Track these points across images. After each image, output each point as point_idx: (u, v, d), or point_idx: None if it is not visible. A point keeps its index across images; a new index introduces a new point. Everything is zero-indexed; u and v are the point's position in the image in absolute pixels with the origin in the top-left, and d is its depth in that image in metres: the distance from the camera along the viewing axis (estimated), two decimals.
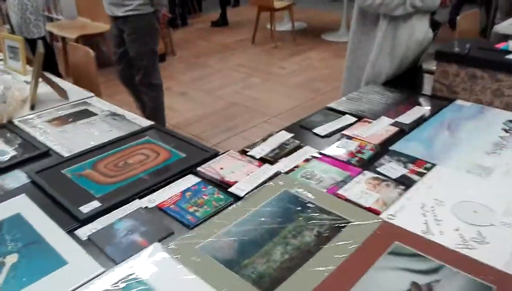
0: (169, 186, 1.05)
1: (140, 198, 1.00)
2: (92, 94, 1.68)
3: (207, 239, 0.86)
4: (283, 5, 5.18)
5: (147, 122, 1.41)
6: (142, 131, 1.34)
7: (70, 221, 0.93)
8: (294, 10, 5.38)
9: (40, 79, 1.60)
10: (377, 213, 0.92)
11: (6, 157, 1.21)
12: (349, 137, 1.24)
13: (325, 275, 0.77)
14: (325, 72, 4.34)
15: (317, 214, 0.92)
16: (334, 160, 1.13)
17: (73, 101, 1.61)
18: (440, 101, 1.46)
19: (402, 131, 1.27)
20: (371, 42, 1.65)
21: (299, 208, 0.94)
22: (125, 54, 2.59)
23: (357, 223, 0.89)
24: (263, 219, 0.91)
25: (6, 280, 0.78)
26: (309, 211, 0.93)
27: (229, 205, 0.97)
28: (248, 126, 3.26)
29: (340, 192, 1.00)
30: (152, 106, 2.71)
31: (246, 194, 0.99)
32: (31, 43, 3.39)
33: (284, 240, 0.85)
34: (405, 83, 1.64)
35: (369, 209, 0.94)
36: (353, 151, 1.17)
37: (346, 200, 0.97)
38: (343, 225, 0.89)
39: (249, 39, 5.48)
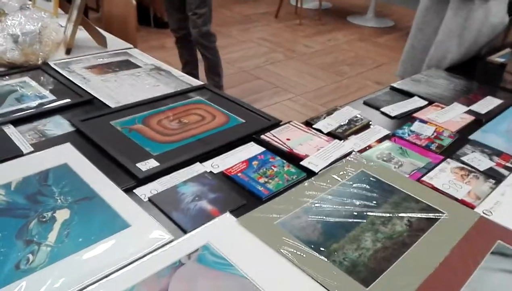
0: (231, 152, 0.94)
1: (201, 161, 0.90)
2: (131, 45, 1.55)
3: (285, 215, 0.76)
4: None
5: (196, 81, 1.29)
6: (193, 90, 1.22)
7: (126, 178, 0.82)
8: None
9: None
10: (471, 206, 0.82)
11: (44, 100, 1.09)
12: (423, 121, 1.13)
13: (429, 272, 0.67)
14: (351, 55, 4.19)
15: (405, 201, 0.82)
16: (411, 144, 1.02)
17: (113, 50, 1.48)
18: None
19: (478, 121, 1.16)
20: (441, 22, 1.52)
21: (383, 193, 0.83)
22: (181, 3, 2.52)
23: (452, 216, 0.79)
24: (344, 199, 0.81)
25: (59, 238, 0.67)
26: (395, 196, 0.83)
27: (302, 180, 0.86)
28: (272, 102, 3.13)
29: (425, 179, 0.89)
30: (212, 59, 2.66)
31: (320, 170, 0.89)
32: None
33: (373, 226, 0.75)
34: (468, 70, 1.52)
35: (462, 202, 0.83)
36: (430, 136, 1.06)
37: (433, 188, 0.87)
38: (435, 216, 0.78)
39: (272, 13, 5.30)
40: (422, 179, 0.89)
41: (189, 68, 2.82)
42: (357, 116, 1.13)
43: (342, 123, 1.09)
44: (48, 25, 1.39)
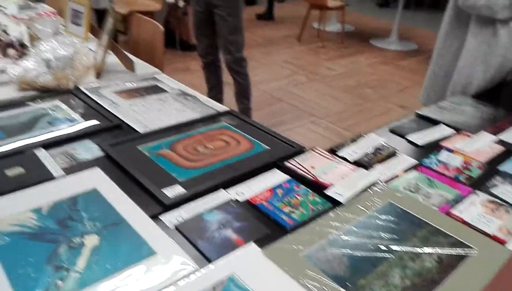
0: (255, 178, 0.94)
1: (225, 187, 0.90)
2: (158, 70, 1.59)
3: (310, 246, 0.75)
4: (336, 5, 5.03)
5: (221, 107, 1.30)
6: (219, 115, 1.24)
7: (153, 204, 0.84)
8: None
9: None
10: (502, 242, 0.80)
11: (75, 124, 1.13)
12: (450, 150, 1.11)
13: None
14: (374, 78, 4.18)
15: (433, 236, 0.80)
16: (439, 174, 1.00)
17: (140, 75, 1.51)
18: None
19: (508, 151, 1.14)
20: (462, 47, 1.51)
21: (411, 226, 0.82)
22: (211, 30, 2.57)
23: (483, 252, 0.76)
24: (371, 232, 0.79)
25: (89, 265, 0.68)
26: (423, 230, 0.81)
27: (327, 210, 0.85)
28: (294, 125, 3.14)
29: (454, 212, 0.87)
30: (243, 83, 2.69)
31: (346, 200, 0.88)
32: (97, 12, 3.40)
33: (401, 261, 0.73)
34: (494, 97, 1.50)
35: (494, 237, 0.81)
36: (459, 167, 1.04)
37: (463, 222, 0.84)
38: (466, 252, 0.76)
39: (295, 36, 5.35)
40: (451, 211, 0.87)
41: (215, 92, 2.85)
42: (382, 144, 1.12)
43: (367, 151, 1.08)
44: (80, 50, 1.44)
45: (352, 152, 1.07)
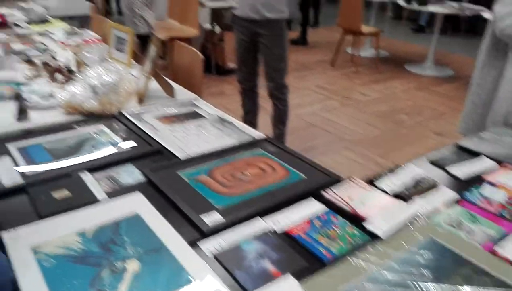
0: (292, 207, 0.94)
1: (262, 215, 0.90)
2: (197, 96, 1.63)
3: (348, 282, 0.74)
4: (370, 31, 5.03)
5: (258, 134, 1.32)
6: (255, 142, 1.25)
7: (192, 230, 0.85)
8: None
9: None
10: None
11: (118, 148, 1.17)
12: (493, 184, 1.08)
13: None
14: (409, 104, 4.12)
15: (477, 275, 0.77)
16: (482, 210, 0.97)
17: (180, 101, 1.56)
18: None
19: None
20: (501, 76, 1.48)
21: (453, 263, 0.79)
22: (254, 58, 2.63)
23: None
24: (411, 268, 0.78)
25: (129, 290, 0.69)
26: (466, 269, 0.78)
27: (366, 244, 0.84)
28: (327, 150, 3.12)
29: (498, 250, 0.84)
30: (283, 109, 2.72)
31: (385, 235, 0.86)
32: (138, 37, 3.55)
33: None
34: None
35: None
36: (503, 202, 1.00)
37: (508, 261, 0.81)
38: None
39: (328, 61, 5.37)
40: (495, 249, 0.84)
41: (250, 116, 2.87)
42: (422, 176, 1.09)
43: (407, 183, 1.06)
44: (124, 77, 1.50)
45: (391, 183, 1.06)
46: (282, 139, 2.82)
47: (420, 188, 1.05)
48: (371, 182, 1.06)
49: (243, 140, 1.27)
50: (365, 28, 4.93)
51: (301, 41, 6.24)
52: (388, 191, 1.02)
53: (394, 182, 1.06)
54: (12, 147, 1.14)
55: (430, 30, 6.73)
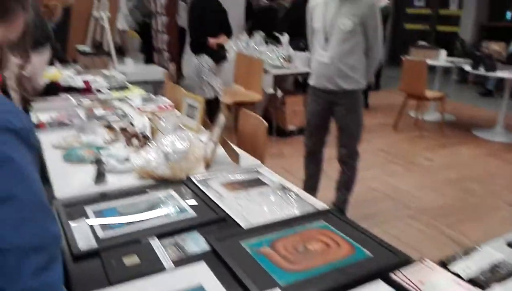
0: (359, 290, 0.91)
1: None
2: (260, 163, 1.67)
3: None
4: (434, 96, 4.94)
5: (321, 204, 1.31)
6: (318, 213, 1.25)
7: None
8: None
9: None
10: None
11: (185, 215, 1.21)
12: None
13: None
14: (478, 171, 3.90)
15: None
16: None
17: (244, 167, 1.61)
18: None
19: None
20: None
21: None
22: (326, 127, 2.67)
23: None
24: None
25: None
26: None
27: None
28: (390, 218, 3.00)
29: None
30: (351, 176, 2.71)
31: None
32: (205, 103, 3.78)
33: None
34: None
35: None
36: None
37: None
38: None
39: (390, 124, 5.30)
40: None
41: (313, 181, 2.85)
42: (500, 261, 1.02)
43: (483, 268, 0.99)
44: (194, 143, 1.59)
45: (466, 267, 0.99)
46: (344, 205, 2.76)
47: (498, 274, 0.97)
48: (443, 265, 1.01)
49: (306, 210, 1.26)
50: (429, 93, 4.86)
51: (363, 104, 6.24)
52: (462, 276, 0.96)
53: (469, 265, 1.00)
54: (89, 210, 1.23)
55: (499, 94, 6.48)
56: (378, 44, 2.49)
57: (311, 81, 2.63)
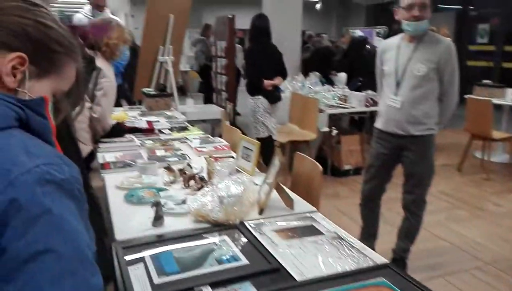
0: None
1: None
2: (315, 209, 1.65)
3: None
4: (502, 136, 4.65)
5: (378, 257, 1.26)
6: (376, 268, 1.19)
7: None
8: None
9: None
10: None
11: (239, 263, 1.21)
12: None
13: None
14: None
15: None
16: None
17: (298, 213, 1.59)
18: None
19: None
20: None
21: None
22: (389, 173, 2.57)
23: None
24: None
25: None
26: None
27: None
28: (455, 269, 2.78)
29: None
30: (415, 225, 2.55)
31: None
32: (258, 140, 3.85)
33: None
34: None
35: None
36: None
37: None
38: None
39: (454, 166, 5.03)
40: None
41: (371, 229, 2.71)
42: None
43: None
44: (248, 187, 1.60)
45: None
46: (405, 254, 2.60)
47: None
48: None
49: (363, 264, 1.21)
50: (496, 134, 4.59)
51: None
52: None
53: None
54: (146, 253, 1.26)
55: None
56: (454, 89, 2.35)
57: (378, 124, 2.52)
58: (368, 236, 2.68)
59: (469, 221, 3.57)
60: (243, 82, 6.28)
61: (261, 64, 3.94)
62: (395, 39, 2.46)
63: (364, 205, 2.70)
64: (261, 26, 3.94)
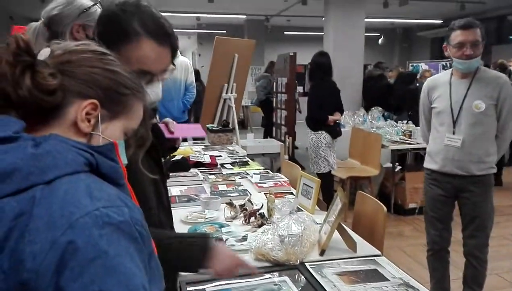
0: None
1: None
2: (379, 252, 1.59)
3: None
4: None
5: None
6: None
7: None
8: None
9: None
10: None
11: None
12: None
13: None
14: None
15: None
16: None
17: (361, 256, 1.55)
18: None
19: None
20: None
21: None
22: (450, 215, 2.43)
23: None
24: None
25: None
26: None
27: None
28: None
29: None
30: (480, 270, 2.38)
31: None
32: (317, 176, 3.85)
33: None
34: None
35: None
36: None
37: None
38: None
39: None
40: None
41: (441, 283, 2.52)
42: None
43: None
44: (309, 227, 1.59)
45: None
46: None
47: None
48: None
49: None
50: None
51: (495, 182, 5.60)
52: None
53: None
54: (207, 289, 1.29)
55: None
56: (510, 125, 2.26)
57: (432, 165, 2.38)
58: (441, 290, 2.50)
59: None
60: (299, 116, 6.32)
61: (323, 100, 4.01)
62: (444, 76, 2.38)
63: (433, 254, 2.50)
64: (322, 63, 4.02)
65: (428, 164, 2.43)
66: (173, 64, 1.02)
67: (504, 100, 2.20)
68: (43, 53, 0.71)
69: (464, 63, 2.18)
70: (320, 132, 4.01)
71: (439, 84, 2.36)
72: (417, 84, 5.30)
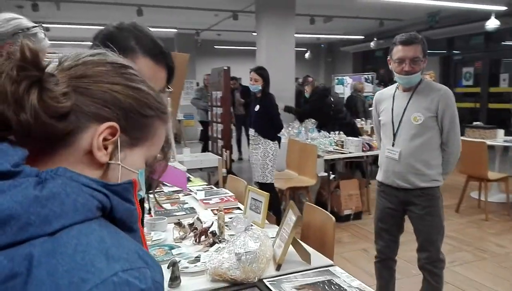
0: None
1: None
2: (331, 262, 1.63)
3: None
4: (498, 177, 4.72)
5: None
6: None
7: None
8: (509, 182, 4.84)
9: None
10: None
11: None
12: None
13: None
14: None
15: None
16: None
17: (316, 268, 1.57)
18: None
19: None
20: None
21: None
22: (399, 227, 2.44)
23: None
24: None
25: None
26: None
27: None
28: None
29: None
30: (436, 286, 2.37)
31: None
32: (262, 186, 3.86)
33: None
34: None
35: None
36: None
37: None
38: None
39: (451, 207, 5.04)
40: None
41: (388, 289, 2.59)
42: None
43: None
44: (264, 243, 1.58)
45: None
46: None
47: None
48: None
49: None
50: (492, 174, 4.66)
51: None
52: None
53: None
54: None
55: None
56: (456, 137, 2.25)
57: (379, 177, 2.43)
58: None
59: (474, 264, 3.53)
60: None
61: (276, 110, 4.11)
62: (390, 89, 2.41)
63: (380, 263, 2.54)
64: (268, 76, 4.11)
65: (378, 175, 2.46)
66: (168, 87, 0.99)
67: (444, 111, 2.19)
68: None
69: (404, 78, 2.19)
70: (268, 142, 4.03)
71: (385, 97, 2.39)
72: (332, 99, 5.59)
